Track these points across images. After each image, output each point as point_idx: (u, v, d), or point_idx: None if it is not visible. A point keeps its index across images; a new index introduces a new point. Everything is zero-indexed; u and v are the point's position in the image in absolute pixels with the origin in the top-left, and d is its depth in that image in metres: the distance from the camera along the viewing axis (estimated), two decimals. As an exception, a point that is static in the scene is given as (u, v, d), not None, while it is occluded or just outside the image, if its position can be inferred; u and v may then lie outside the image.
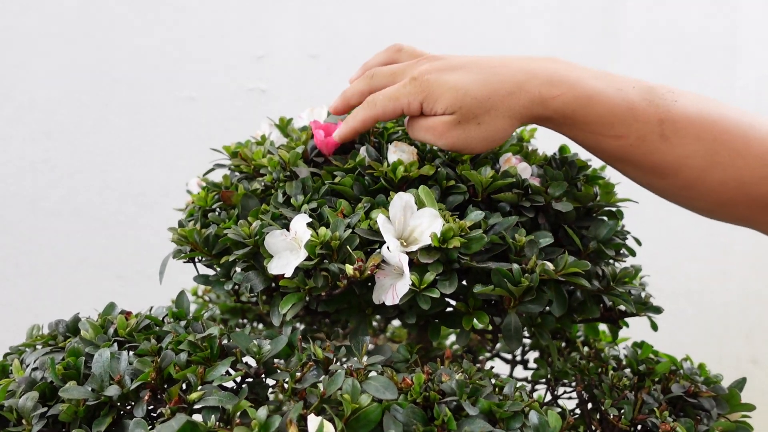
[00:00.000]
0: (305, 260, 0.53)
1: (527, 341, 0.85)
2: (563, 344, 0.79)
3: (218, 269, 0.61)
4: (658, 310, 0.65)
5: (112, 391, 0.48)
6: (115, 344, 0.53)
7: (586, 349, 0.77)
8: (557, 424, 0.46)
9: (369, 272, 0.51)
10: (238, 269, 0.59)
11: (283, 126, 0.69)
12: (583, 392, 0.61)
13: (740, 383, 0.62)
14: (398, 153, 0.61)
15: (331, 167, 0.63)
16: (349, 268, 0.51)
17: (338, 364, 0.49)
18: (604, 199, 0.64)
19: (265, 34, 1.47)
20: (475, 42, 1.49)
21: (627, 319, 0.71)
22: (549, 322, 0.61)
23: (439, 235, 0.53)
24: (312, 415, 0.42)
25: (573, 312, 0.64)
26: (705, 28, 1.54)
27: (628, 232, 0.67)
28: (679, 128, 0.57)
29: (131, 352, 0.52)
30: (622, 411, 0.56)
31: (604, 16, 1.54)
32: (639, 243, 0.67)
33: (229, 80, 1.48)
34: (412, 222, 0.55)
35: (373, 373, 0.47)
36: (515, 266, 0.53)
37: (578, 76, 0.58)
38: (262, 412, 0.43)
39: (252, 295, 0.57)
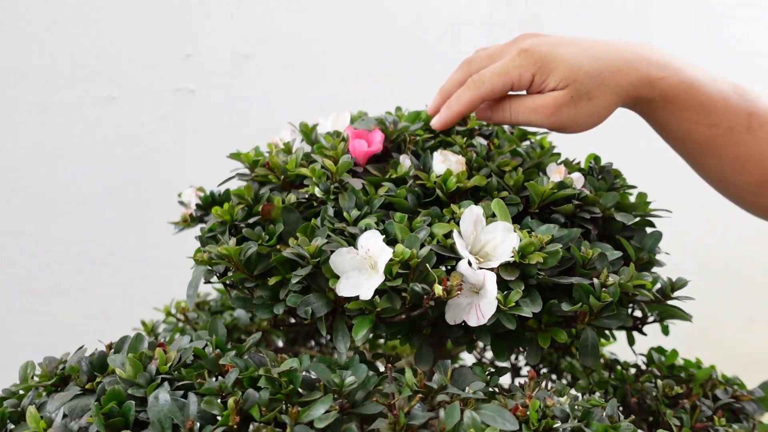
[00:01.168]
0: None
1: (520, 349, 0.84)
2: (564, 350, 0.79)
3: (257, 291, 0.55)
4: (686, 318, 0.66)
5: (183, 439, 0.42)
6: (166, 383, 0.46)
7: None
8: (670, 443, 0.45)
9: (457, 292, 0.48)
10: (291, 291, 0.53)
11: (308, 132, 0.63)
12: (632, 403, 0.60)
13: (767, 385, 0.65)
14: (446, 162, 0.58)
15: (372, 178, 0.58)
16: (438, 288, 0.47)
17: (444, 394, 0.45)
18: (641, 209, 0.64)
19: (194, 31, 1.38)
20: (416, 44, 1.47)
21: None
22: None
23: (518, 250, 0.51)
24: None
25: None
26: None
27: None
28: (764, 122, 0.61)
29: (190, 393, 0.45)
30: (680, 419, 0.57)
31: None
32: (667, 253, 0.68)
33: (155, 79, 1.37)
34: (483, 237, 0.53)
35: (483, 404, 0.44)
36: (596, 281, 0.51)
37: (680, 63, 0.60)
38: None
39: (306, 319, 0.52)
